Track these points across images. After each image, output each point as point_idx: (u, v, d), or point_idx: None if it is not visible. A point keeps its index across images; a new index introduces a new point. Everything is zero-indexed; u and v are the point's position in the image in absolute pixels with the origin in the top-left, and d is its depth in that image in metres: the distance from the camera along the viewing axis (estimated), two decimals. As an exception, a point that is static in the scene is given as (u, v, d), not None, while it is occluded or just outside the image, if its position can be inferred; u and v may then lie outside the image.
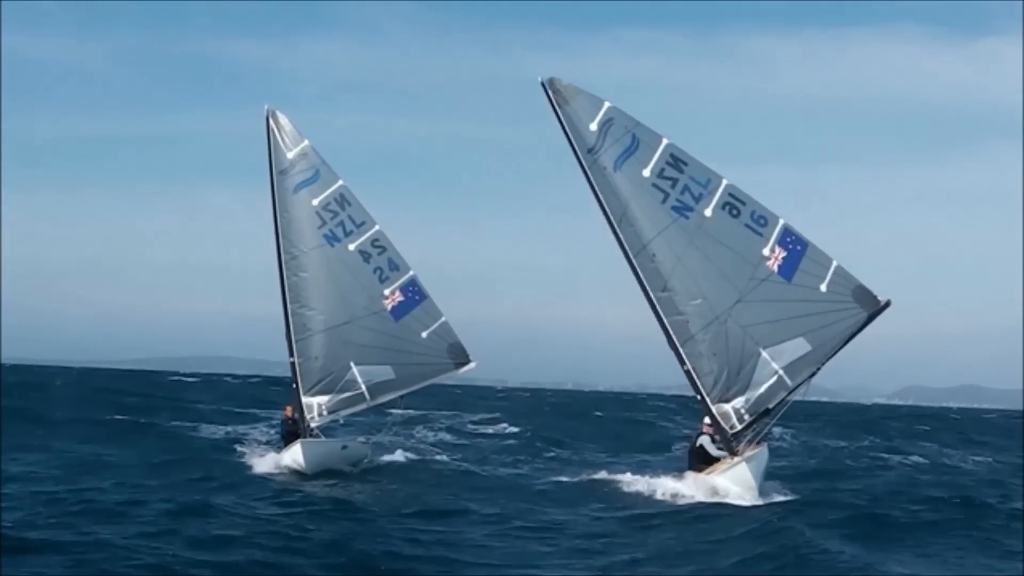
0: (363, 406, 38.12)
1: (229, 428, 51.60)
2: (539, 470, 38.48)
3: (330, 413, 37.70)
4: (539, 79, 29.95)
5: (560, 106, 29.46)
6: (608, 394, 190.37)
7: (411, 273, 38.40)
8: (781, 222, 29.14)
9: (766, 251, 28.89)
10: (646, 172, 29.20)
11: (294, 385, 37.56)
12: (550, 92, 29.61)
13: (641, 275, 29.22)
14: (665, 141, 29.41)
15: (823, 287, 28.86)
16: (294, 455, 35.67)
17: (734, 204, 29.17)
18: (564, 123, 29.49)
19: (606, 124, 29.31)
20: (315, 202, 37.77)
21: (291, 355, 37.55)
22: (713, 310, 29.02)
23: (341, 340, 37.77)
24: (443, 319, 38.56)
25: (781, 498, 28.81)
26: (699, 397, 29.33)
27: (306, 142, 38.08)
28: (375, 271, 38.11)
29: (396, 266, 38.31)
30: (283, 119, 37.91)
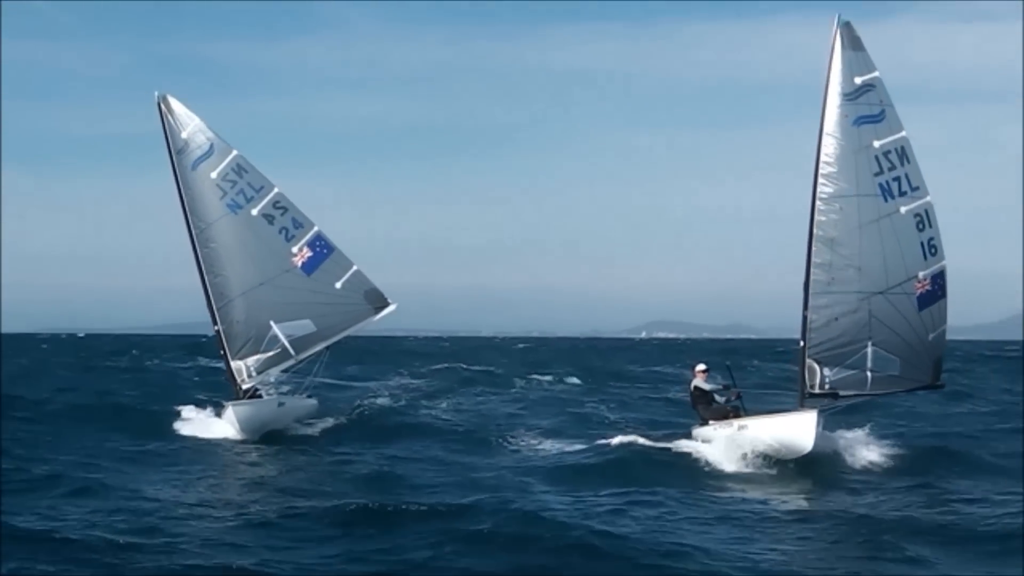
0: (291, 362, 39.53)
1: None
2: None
3: (259, 373, 39.12)
4: (838, 15, 30.52)
5: (842, 49, 30.31)
6: (579, 339, 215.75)
7: (316, 228, 40.01)
8: (944, 262, 30.49)
9: (921, 275, 30.21)
10: (876, 143, 30.09)
11: (222, 352, 39.30)
12: (841, 33, 30.35)
13: (815, 219, 30.20)
14: (903, 133, 30.33)
15: (931, 336, 30.40)
16: (229, 418, 37.44)
17: (924, 220, 30.20)
18: (833, 62, 30.29)
19: (868, 87, 30.13)
20: (213, 175, 39.31)
21: (215, 323, 39.29)
22: (861, 284, 30.10)
23: (258, 302, 39.30)
24: (355, 268, 40.22)
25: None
26: (800, 344, 30.41)
27: (197, 120, 39.64)
28: (280, 231, 39.63)
29: (300, 224, 39.89)
30: (174, 102, 39.53)
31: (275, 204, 39.81)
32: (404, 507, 22.34)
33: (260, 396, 39.36)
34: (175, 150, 39.52)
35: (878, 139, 30.03)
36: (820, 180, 30.07)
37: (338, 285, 39.93)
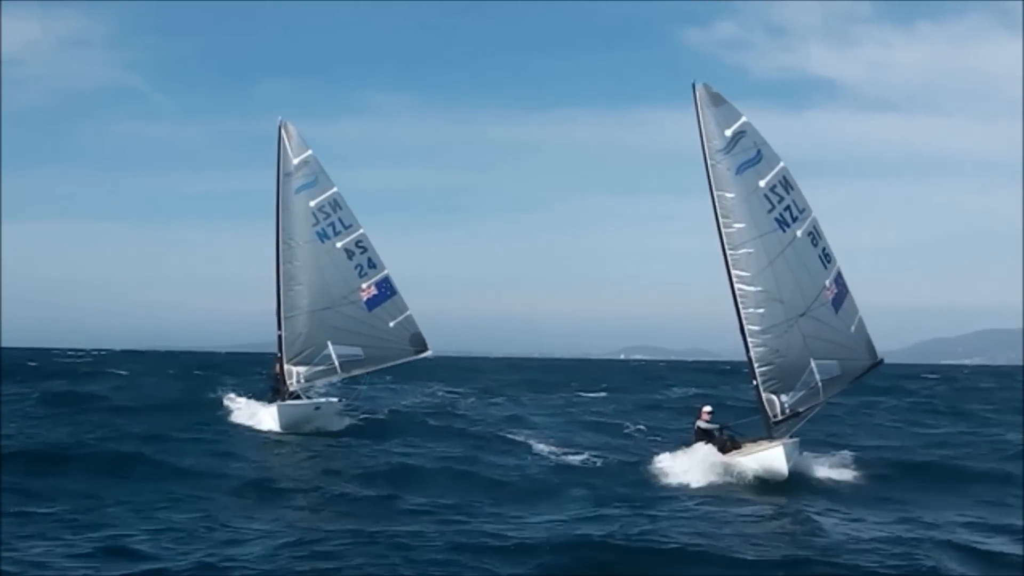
0: (335, 378, 44.44)
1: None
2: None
3: (307, 381, 43.93)
4: (693, 81, 31.88)
5: (703, 107, 31.53)
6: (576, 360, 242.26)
7: (386, 272, 44.83)
8: (838, 265, 32.46)
9: (827, 282, 32.10)
10: (761, 183, 31.41)
11: (279, 354, 43.93)
12: (697, 94, 31.66)
13: (731, 268, 31.34)
14: (781, 164, 31.87)
15: (852, 329, 32.70)
16: (272, 415, 41.93)
17: (815, 235, 32.00)
18: (700, 122, 31.55)
19: (739, 134, 31.43)
20: (312, 203, 44.21)
21: (279, 328, 43.91)
22: (787, 313, 31.38)
23: (322, 322, 44.03)
24: (408, 312, 45.00)
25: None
26: (753, 383, 31.75)
27: (310, 151, 44.54)
28: (356, 267, 44.50)
29: (374, 264, 44.72)
30: (292, 129, 44.42)
31: (357, 243, 44.73)
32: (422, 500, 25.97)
33: (299, 398, 43.93)
34: (283, 172, 44.42)
35: (761, 179, 31.51)
36: (725, 233, 31.32)
37: (391, 324, 44.69)
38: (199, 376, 79.46)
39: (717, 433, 32.67)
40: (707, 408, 33.55)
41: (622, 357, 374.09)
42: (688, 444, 33.00)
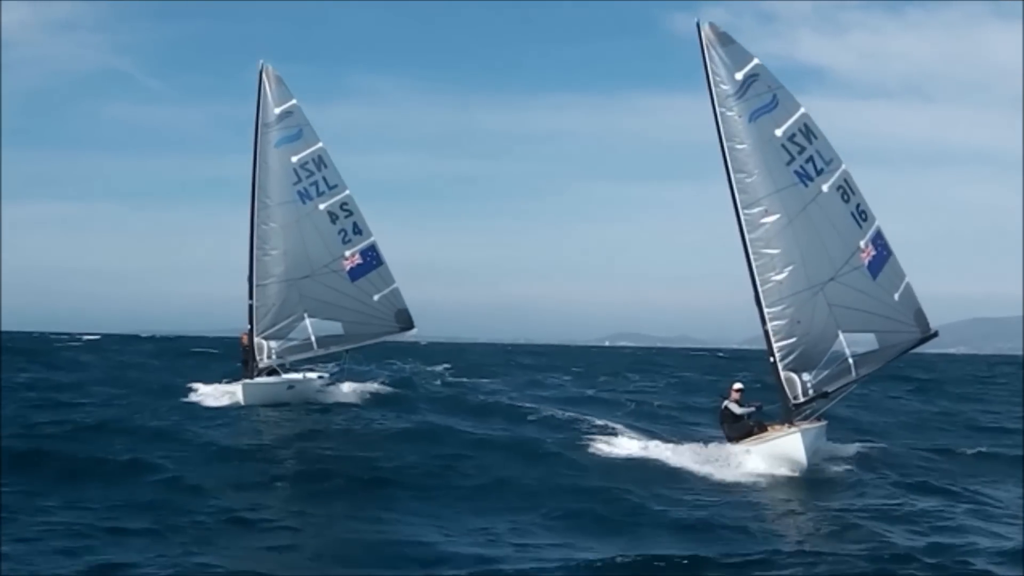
0: (310, 354, 39.87)
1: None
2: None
3: (279, 357, 39.47)
4: (696, 20, 28.56)
5: (710, 48, 28.33)
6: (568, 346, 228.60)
7: (372, 239, 40.35)
8: (877, 223, 29.03)
9: (862, 243, 28.64)
10: (778, 132, 28.23)
11: (249, 326, 39.48)
12: (702, 34, 28.43)
13: (745, 229, 28.21)
14: (802, 110, 28.72)
15: (896, 296, 29.08)
16: (239, 394, 37.90)
17: (847, 190, 28.64)
18: (707, 65, 28.40)
19: (751, 77, 28.33)
20: (294, 159, 39.66)
21: (250, 298, 39.44)
22: (809, 279, 28.22)
23: (299, 292, 39.67)
24: (395, 285, 40.53)
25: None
26: (771, 360, 28.39)
27: (294, 100, 39.95)
28: (339, 232, 40.02)
29: (360, 230, 40.23)
30: (275, 76, 39.82)
31: (342, 205, 40.20)
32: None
33: (276, 373, 39.65)
34: (263, 123, 39.82)
35: (778, 127, 28.24)
36: (738, 190, 28.10)
37: (376, 298, 40.29)
38: (184, 360, 74.80)
39: (746, 418, 28.53)
40: (737, 385, 29.23)
41: (607, 344, 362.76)
42: (714, 425, 29.63)
